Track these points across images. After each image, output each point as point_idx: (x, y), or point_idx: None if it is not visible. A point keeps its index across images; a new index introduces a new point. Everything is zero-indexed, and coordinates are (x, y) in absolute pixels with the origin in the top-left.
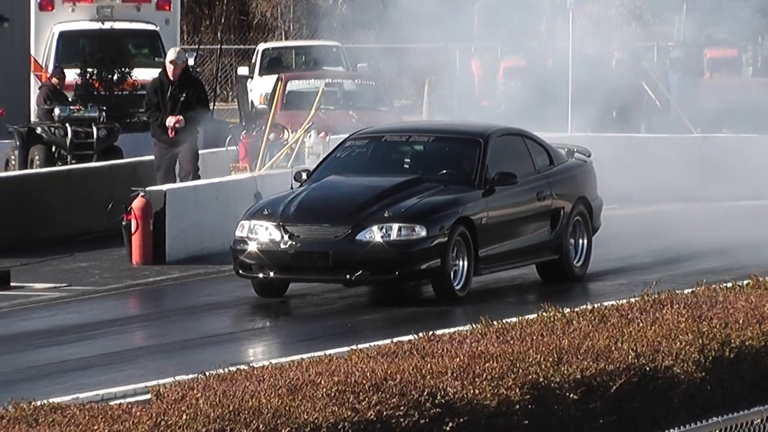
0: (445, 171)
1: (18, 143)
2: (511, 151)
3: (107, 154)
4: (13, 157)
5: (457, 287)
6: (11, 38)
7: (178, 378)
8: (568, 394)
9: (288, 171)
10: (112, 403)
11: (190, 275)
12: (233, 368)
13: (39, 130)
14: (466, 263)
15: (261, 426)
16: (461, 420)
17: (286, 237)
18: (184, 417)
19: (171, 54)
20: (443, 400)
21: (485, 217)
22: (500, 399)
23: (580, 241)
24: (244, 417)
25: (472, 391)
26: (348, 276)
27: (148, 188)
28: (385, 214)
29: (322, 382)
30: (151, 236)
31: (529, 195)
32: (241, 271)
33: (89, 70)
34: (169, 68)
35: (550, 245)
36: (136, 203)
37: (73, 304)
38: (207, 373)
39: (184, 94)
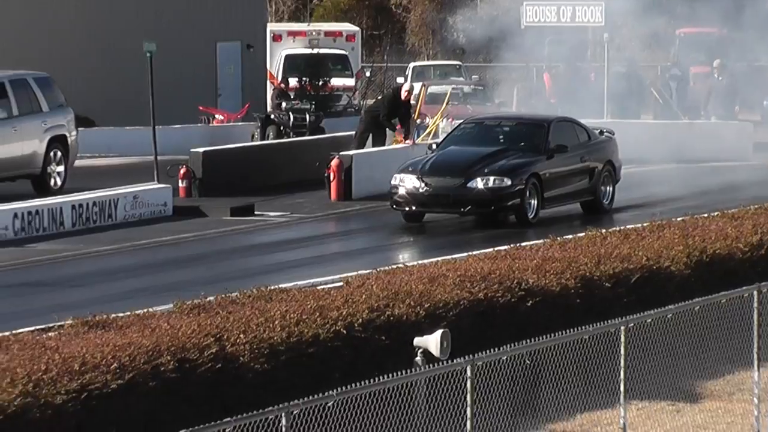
0: (522, 143)
1: (259, 125)
2: (564, 131)
3: (315, 131)
4: (256, 134)
5: (531, 217)
6: (255, 58)
7: (359, 272)
8: (604, 283)
9: (427, 143)
10: (318, 287)
11: (367, 207)
12: (394, 266)
13: (272, 116)
14: (536, 201)
15: (411, 302)
16: (537, 299)
17: (422, 184)
18: (363, 296)
19: (407, 85)
20: (525, 287)
21: (548, 173)
22: (561, 286)
23: (608, 188)
24: (400, 296)
25: (543, 281)
26: (461, 209)
27: (341, 153)
28: (485, 170)
29: (450, 275)
30: (343, 183)
31: (575, 159)
32: (394, 206)
33: (304, 78)
34: (404, 94)
35: (588, 191)
36: (334, 162)
37: (293, 226)
38: (377, 269)
39: (405, 109)
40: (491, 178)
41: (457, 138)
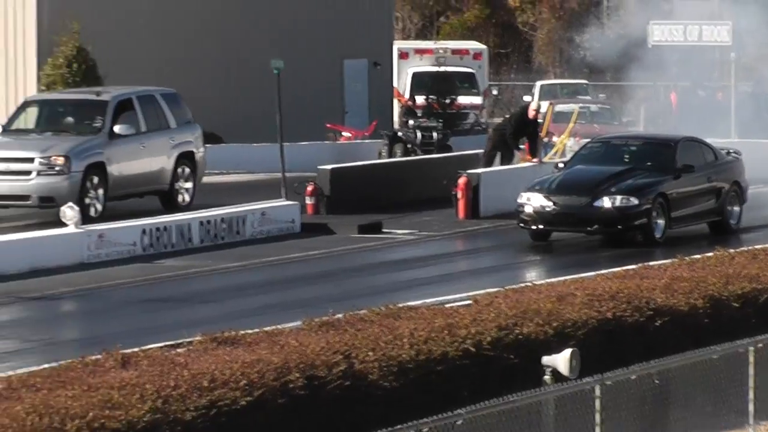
0: (649, 163)
1: (387, 142)
2: (691, 151)
3: (442, 149)
4: (383, 151)
5: (658, 236)
6: (382, 76)
7: (488, 290)
8: (732, 303)
9: (554, 162)
10: (447, 305)
11: (494, 226)
12: (522, 284)
13: (400, 133)
14: (663, 221)
15: (540, 321)
16: (665, 319)
17: (549, 203)
18: (492, 314)
19: (534, 104)
20: (654, 306)
21: (675, 192)
22: (690, 306)
23: (735, 208)
24: (529, 315)
25: (672, 301)
26: (588, 228)
27: (469, 171)
28: (612, 189)
29: (578, 294)
30: (470, 201)
31: (702, 179)
32: (521, 225)
33: (431, 96)
34: (531, 113)
35: (715, 211)
36: (461, 180)
37: (420, 243)
38: (506, 287)
39: (532, 127)
40: (618, 198)
41: (584, 157)
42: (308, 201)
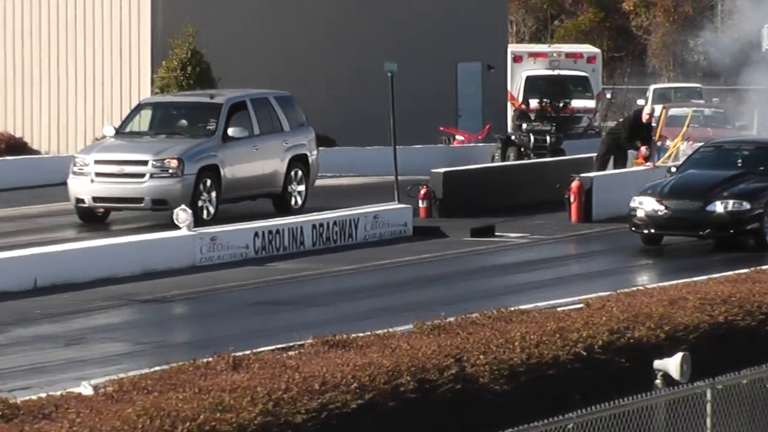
0: (762, 167)
1: (500, 145)
2: None
3: (556, 153)
4: (496, 155)
5: None
6: (496, 79)
7: (599, 294)
8: None
9: (667, 166)
10: (558, 309)
11: (606, 229)
12: (634, 288)
13: (513, 137)
14: None
15: (651, 324)
16: None
17: (661, 207)
18: (604, 318)
19: (648, 108)
20: (766, 310)
21: None
22: None
23: None
24: (641, 319)
25: None
26: (700, 232)
27: (581, 174)
28: (724, 194)
29: (690, 298)
30: (583, 205)
31: None
32: (633, 228)
33: (545, 100)
34: (645, 116)
35: None
36: (574, 184)
37: (532, 247)
38: (617, 291)
39: (646, 131)
40: (730, 202)
41: (696, 161)
42: (421, 204)
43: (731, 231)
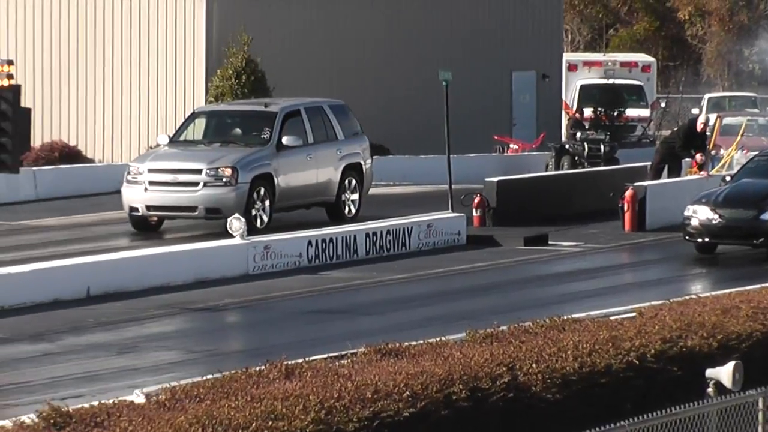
0: None
1: (554, 154)
2: None
3: (610, 162)
4: (550, 163)
5: None
6: (550, 88)
7: (652, 303)
8: None
9: (721, 175)
10: (611, 318)
11: (660, 238)
12: (686, 297)
13: (567, 146)
14: None
15: (704, 333)
16: None
17: (716, 215)
18: (656, 327)
19: (702, 117)
20: None
21: None
22: None
23: None
24: (693, 327)
25: None
26: (754, 241)
27: (635, 183)
28: None
29: (743, 306)
30: (637, 214)
31: None
32: (687, 237)
33: (599, 109)
34: (699, 126)
35: None
36: (628, 193)
37: (586, 256)
38: (670, 300)
39: (700, 140)
40: None
41: (750, 170)
42: (474, 213)
43: None
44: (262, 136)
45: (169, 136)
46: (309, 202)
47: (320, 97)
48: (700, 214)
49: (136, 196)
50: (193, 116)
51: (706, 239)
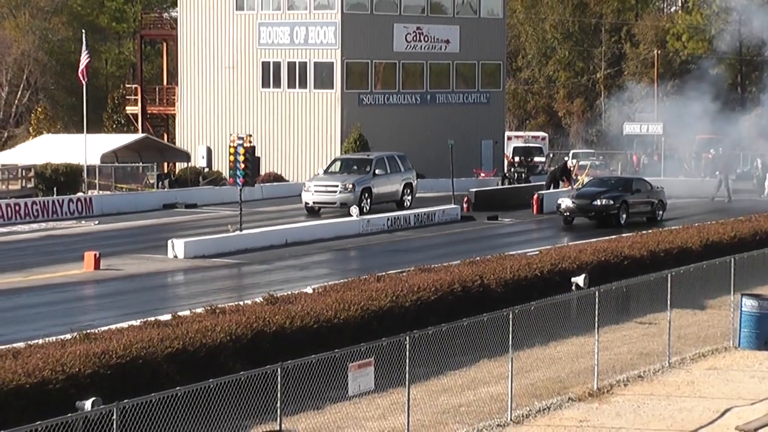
0: (620, 187)
1: (501, 178)
2: (640, 183)
3: (527, 181)
4: (499, 183)
5: (622, 222)
6: (498, 147)
7: (546, 247)
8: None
9: (576, 188)
10: (528, 253)
11: (549, 218)
12: (560, 245)
13: (506, 174)
14: (625, 214)
15: (570, 261)
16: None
17: (573, 204)
18: (548, 258)
19: (570, 161)
20: (625, 255)
21: (631, 201)
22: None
23: (660, 211)
24: (565, 258)
25: None
26: (590, 214)
27: (538, 191)
28: (601, 197)
29: (588, 249)
30: (538, 205)
31: (644, 196)
32: (560, 215)
33: (522, 157)
34: (569, 165)
35: (651, 211)
36: (535, 196)
37: (515, 225)
38: (555, 245)
39: (569, 172)
40: (604, 200)
41: (589, 185)
42: (464, 205)
43: (603, 214)
44: (366, 169)
45: (323, 170)
46: (387, 200)
47: (395, 151)
48: (565, 203)
49: (307, 198)
50: (335, 160)
51: (568, 215)
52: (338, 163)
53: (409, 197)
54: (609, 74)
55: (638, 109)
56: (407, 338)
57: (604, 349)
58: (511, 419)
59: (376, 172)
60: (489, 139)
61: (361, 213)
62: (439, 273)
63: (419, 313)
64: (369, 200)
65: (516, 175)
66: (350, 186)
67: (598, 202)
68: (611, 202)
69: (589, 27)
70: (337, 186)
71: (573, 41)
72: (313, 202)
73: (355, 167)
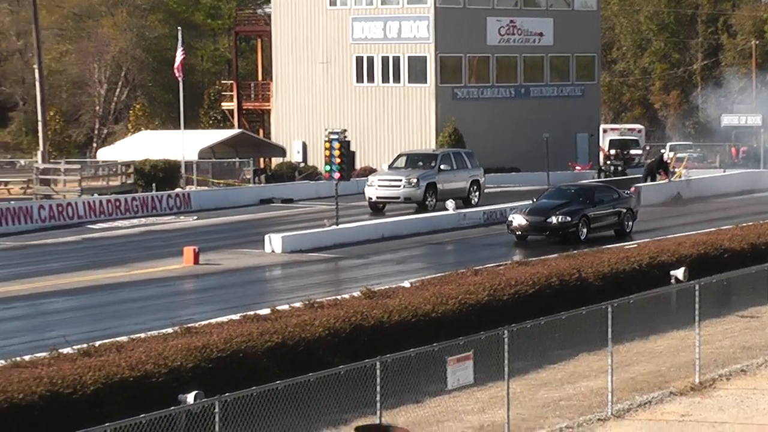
0: (581, 198)
1: (597, 171)
2: (604, 191)
3: (623, 174)
4: (595, 176)
5: (582, 238)
6: (594, 141)
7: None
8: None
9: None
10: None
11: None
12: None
13: (602, 167)
14: (586, 229)
15: (669, 254)
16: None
17: (525, 220)
18: (653, 248)
19: (666, 153)
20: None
21: (592, 214)
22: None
23: (629, 222)
24: (665, 252)
25: None
26: (545, 233)
27: (636, 184)
28: (557, 213)
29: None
30: (639, 198)
31: (608, 206)
32: (510, 232)
33: (618, 150)
34: (665, 157)
35: (617, 223)
36: (632, 188)
37: None
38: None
39: (665, 164)
40: (560, 217)
41: (545, 196)
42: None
43: (560, 232)
44: (431, 165)
45: (388, 165)
46: (453, 196)
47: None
48: (517, 220)
49: (371, 193)
50: (399, 155)
51: (520, 234)
52: (403, 159)
53: (477, 194)
54: (706, 65)
55: (736, 101)
56: (506, 332)
57: (705, 342)
58: (612, 413)
59: (442, 167)
60: (584, 132)
61: (422, 210)
62: (536, 266)
63: (517, 306)
64: (434, 196)
65: (612, 168)
66: (414, 180)
67: (553, 220)
68: (568, 219)
69: (685, 18)
70: (401, 180)
71: (668, 32)
72: (377, 197)
73: (421, 163)
